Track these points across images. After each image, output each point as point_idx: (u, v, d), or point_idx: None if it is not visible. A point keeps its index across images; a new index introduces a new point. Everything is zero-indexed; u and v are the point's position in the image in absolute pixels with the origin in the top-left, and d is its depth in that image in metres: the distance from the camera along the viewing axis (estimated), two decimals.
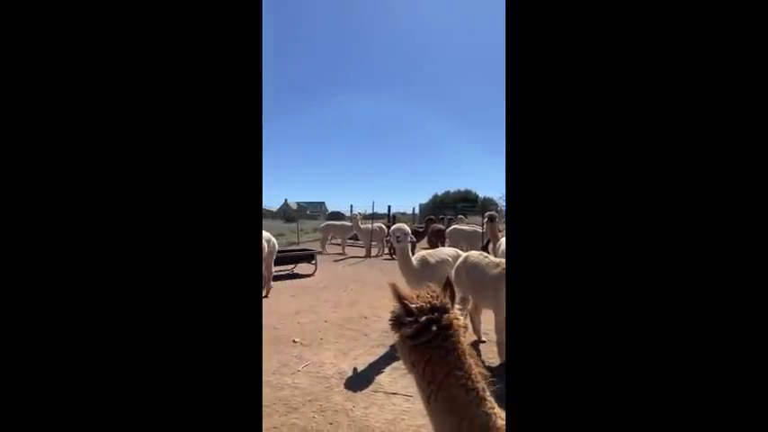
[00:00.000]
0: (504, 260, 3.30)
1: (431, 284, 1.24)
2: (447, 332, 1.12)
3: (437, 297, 1.18)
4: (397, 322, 1.18)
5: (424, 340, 1.11)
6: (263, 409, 2.40)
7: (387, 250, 10.52)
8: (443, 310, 1.15)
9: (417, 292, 1.20)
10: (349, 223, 11.41)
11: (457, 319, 1.16)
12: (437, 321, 1.12)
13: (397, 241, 3.64)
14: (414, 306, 1.15)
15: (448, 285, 1.23)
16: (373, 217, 12.45)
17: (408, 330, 1.13)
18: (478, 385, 1.09)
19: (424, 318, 1.13)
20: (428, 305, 1.15)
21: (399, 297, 1.17)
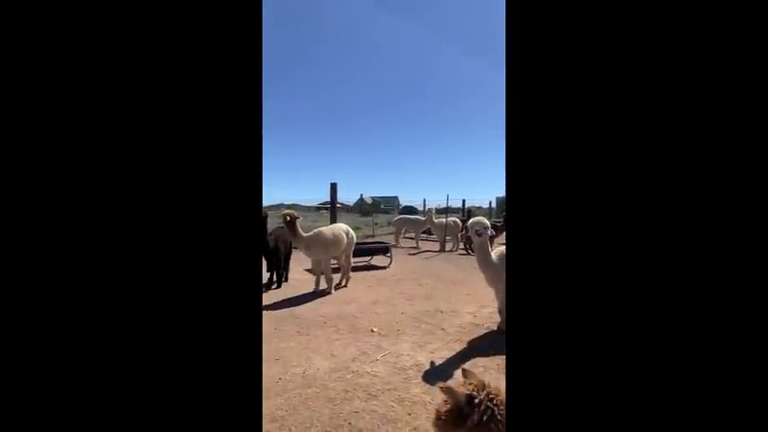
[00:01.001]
0: None
1: (457, 389, 1.29)
2: (499, 400, 1.24)
3: (470, 383, 1.30)
4: (460, 416, 1.23)
5: (489, 415, 1.21)
6: (344, 393, 2.52)
7: (462, 245, 10.29)
8: (484, 386, 1.27)
9: (458, 386, 1.30)
10: (422, 217, 11.38)
11: (498, 390, 1.29)
12: (491, 395, 1.24)
13: (477, 235, 3.53)
14: (469, 393, 1.24)
15: (466, 375, 1.35)
16: (447, 211, 12.24)
17: (476, 416, 1.20)
18: None
19: (483, 395, 1.23)
20: (475, 388, 1.26)
21: (454, 392, 1.25)
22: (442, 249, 10.26)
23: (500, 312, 3.80)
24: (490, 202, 22.42)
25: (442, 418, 1.25)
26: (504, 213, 10.24)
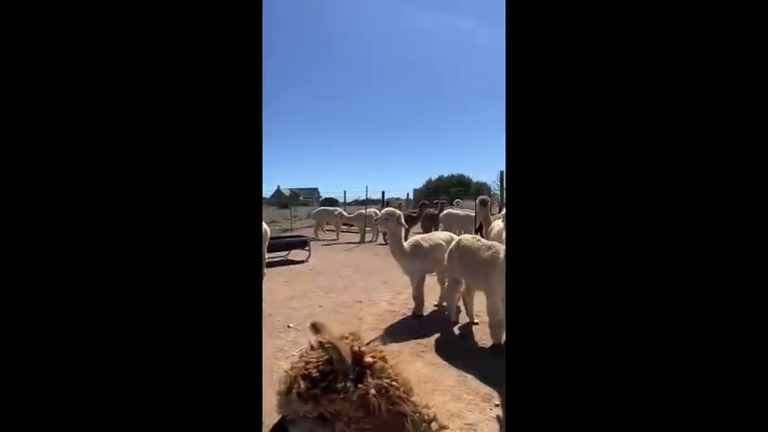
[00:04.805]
0: (495, 243, 3.32)
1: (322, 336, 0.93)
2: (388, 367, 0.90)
3: (343, 337, 0.91)
4: (337, 379, 0.83)
5: (373, 384, 0.85)
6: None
7: (382, 235, 10.56)
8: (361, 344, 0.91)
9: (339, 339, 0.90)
10: (342, 210, 11.43)
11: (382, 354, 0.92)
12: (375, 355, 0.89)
13: (376, 222, 3.68)
14: (352, 348, 0.87)
15: (318, 329, 0.97)
16: (366, 202, 12.41)
17: (352, 384, 0.83)
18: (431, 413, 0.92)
19: (362, 353, 0.87)
20: (353, 341, 0.90)
21: (340, 348, 0.84)
22: (362, 240, 10.40)
23: (414, 299, 3.99)
24: (408, 194, 23.27)
25: (311, 375, 0.83)
26: (420, 203, 10.72)
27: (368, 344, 0.94)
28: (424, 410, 0.91)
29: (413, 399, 0.90)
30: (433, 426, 0.91)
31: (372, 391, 0.83)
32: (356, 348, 0.87)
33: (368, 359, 0.87)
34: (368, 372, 0.85)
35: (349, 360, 0.85)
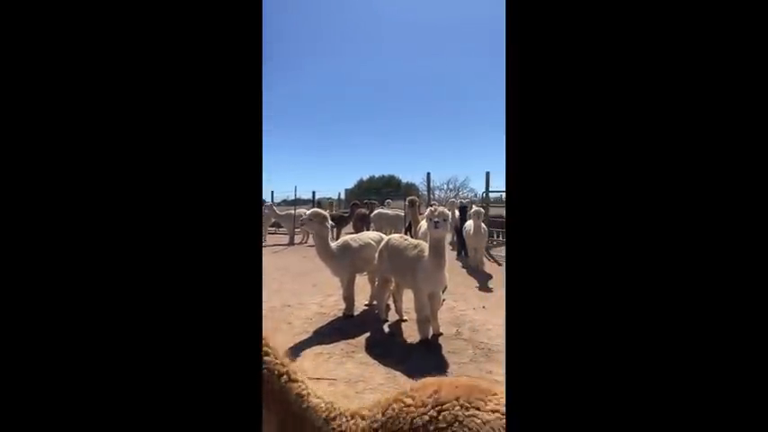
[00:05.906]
0: (421, 242, 3.45)
1: None
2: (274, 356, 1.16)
3: None
4: None
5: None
6: None
7: (312, 237, 10.36)
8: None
9: None
10: (274, 209, 10.99)
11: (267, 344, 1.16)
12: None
13: (301, 224, 3.69)
14: None
15: None
16: (296, 202, 12.08)
17: None
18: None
19: None
20: None
21: None
22: (291, 242, 10.11)
23: (345, 299, 3.98)
24: (339, 194, 23.14)
25: None
26: (352, 203, 10.72)
27: None
28: (277, 367, 1.15)
29: (267, 357, 1.15)
30: (283, 379, 1.15)
31: None
32: None
33: None
34: None
35: None
